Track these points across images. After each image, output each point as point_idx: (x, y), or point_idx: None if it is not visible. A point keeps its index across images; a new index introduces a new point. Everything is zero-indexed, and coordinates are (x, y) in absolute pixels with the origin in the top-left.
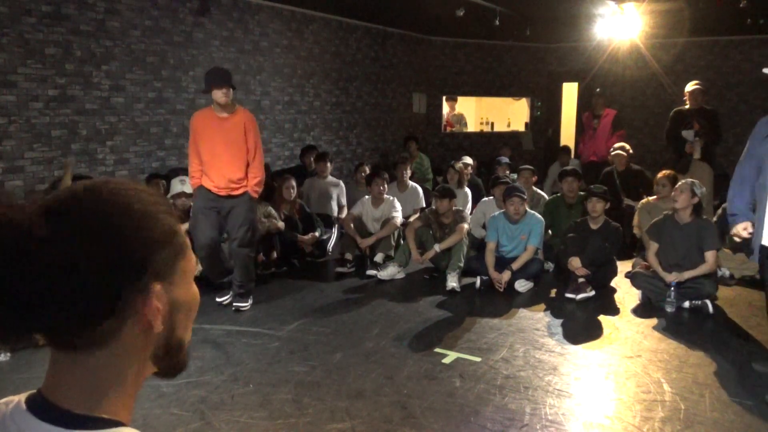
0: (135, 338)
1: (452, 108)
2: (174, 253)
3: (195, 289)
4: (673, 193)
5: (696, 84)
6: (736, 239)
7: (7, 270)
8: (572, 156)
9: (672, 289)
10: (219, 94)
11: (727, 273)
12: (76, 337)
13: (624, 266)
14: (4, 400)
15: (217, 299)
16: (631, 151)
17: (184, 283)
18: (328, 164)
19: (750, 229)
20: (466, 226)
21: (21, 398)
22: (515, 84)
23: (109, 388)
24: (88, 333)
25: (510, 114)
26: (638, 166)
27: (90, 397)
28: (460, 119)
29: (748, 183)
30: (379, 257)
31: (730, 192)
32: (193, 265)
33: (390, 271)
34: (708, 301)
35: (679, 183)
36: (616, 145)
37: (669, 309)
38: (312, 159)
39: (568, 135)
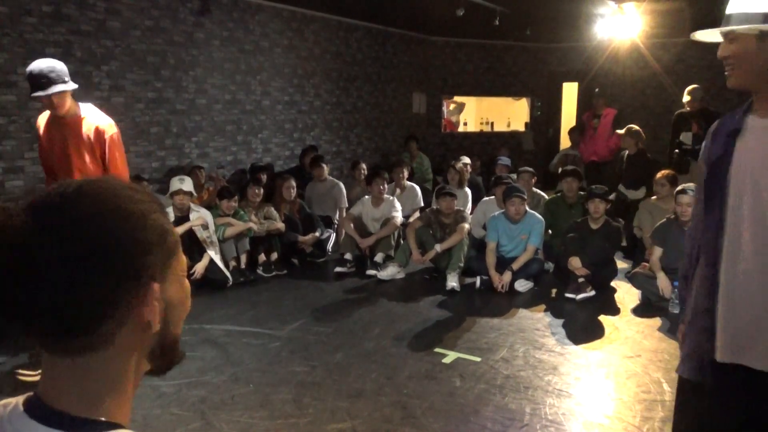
0: (132, 339)
1: (448, 105)
2: (167, 253)
3: (187, 285)
4: (679, 208)
5: (691, 87)
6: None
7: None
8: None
9: (676, 290)
10: (47, 103)
11: None
12: (72, 342)
13: (624, 267)
14: (2, 402)
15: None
16: (640, 131)
17: (176, 282)
18: (324, 168)
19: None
20: (467, 226)
21: (19, 401)
22: (515, 84)
23: (108, 389)
24: (84, 338)
25: (510, 114)
26: (651, 155)
27: (88, 399)
28: (455, 112)
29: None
30: (379, 257)
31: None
32: (183, 263)
33: (390, 271)
34: None
35: (686, 197)
36: (628, 127)
37: (675, 310)
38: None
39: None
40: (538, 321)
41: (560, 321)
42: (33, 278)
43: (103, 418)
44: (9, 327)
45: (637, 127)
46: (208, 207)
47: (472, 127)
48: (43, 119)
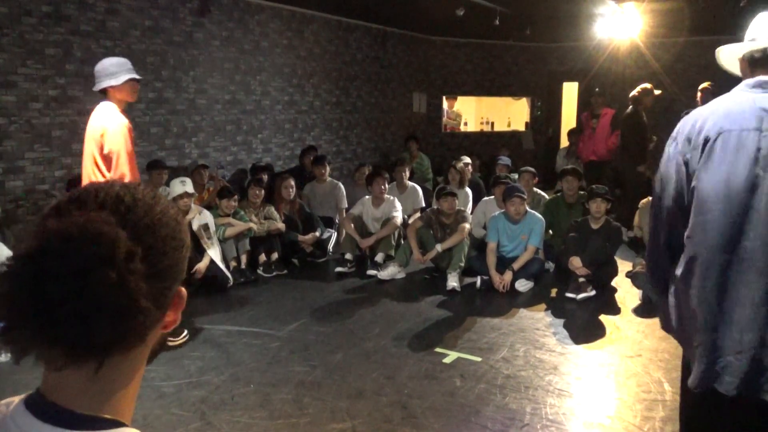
0: (154, 337)
1: (451, 106)
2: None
3: None
4: None
5: (704, 84)
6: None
7: (87, 285)
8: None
9: None
10: (136, 90)
11: None
12: (115, 347)
13: (624, 266)
14: (4, 401)
15: None
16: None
17: None
18: (327, 168)
19: None
20: (467, 226)
21: (21, 399)
22: (515, 84)
23: (120, 386)
24: (139, 344)
25: (510, 114)
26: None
27: (95, 397)
28: (457, 116)
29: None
30: (379, 257)
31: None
32: None
33: (390, 271)
34: None
35: None
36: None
37: None
38: (311, 160)
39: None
40: (539, 321)
41: (561, 321)
42: (117, 287)
43: (107, 416)
44: (35, 340)
45: (654, 93)
46: (208, 207)
47: (472, 127)
48: (125, 119)
